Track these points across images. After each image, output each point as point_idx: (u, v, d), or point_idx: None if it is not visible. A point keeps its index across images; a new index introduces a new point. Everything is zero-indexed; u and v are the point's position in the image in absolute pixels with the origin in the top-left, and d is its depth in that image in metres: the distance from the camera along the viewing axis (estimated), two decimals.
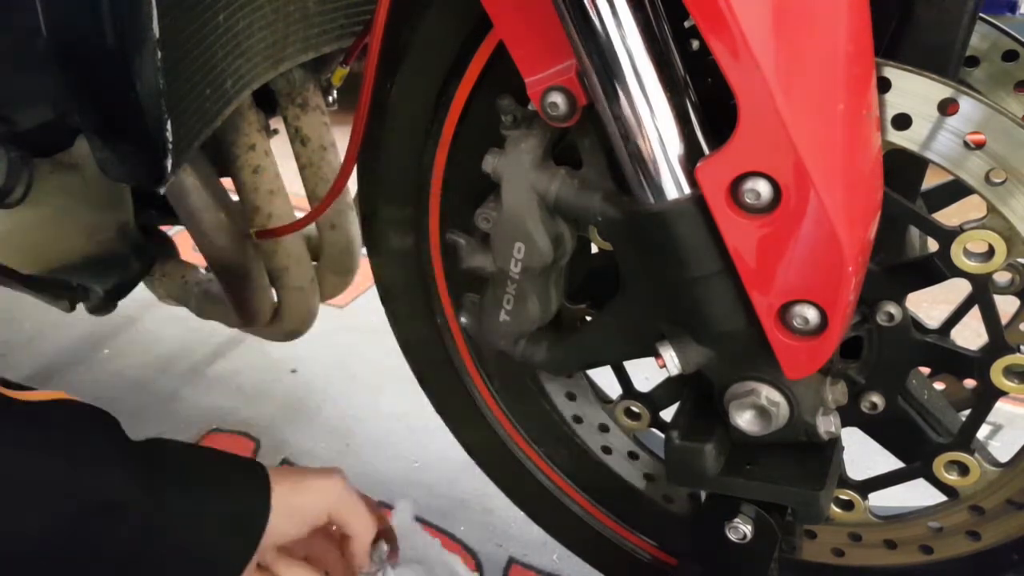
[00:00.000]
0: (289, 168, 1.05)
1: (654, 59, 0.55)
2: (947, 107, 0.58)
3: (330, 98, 1.03)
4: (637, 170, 0.57)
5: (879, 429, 0.74)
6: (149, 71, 0.68)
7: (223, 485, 0.72)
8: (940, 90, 0.58)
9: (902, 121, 0.60)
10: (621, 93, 0.55)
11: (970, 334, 0.77)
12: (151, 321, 1.78)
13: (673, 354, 0.64)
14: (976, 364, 0.67)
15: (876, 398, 0.72)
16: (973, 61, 0.79)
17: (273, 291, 1.13)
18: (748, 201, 0.54)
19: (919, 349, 0.69)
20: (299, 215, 1.05)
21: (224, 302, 1.13)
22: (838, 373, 0.70)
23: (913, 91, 0.59)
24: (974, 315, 0.71)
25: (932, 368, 0.78)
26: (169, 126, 0.71)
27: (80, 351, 1.72)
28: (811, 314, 0.57)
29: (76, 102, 0.73)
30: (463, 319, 0.77)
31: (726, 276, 0.58)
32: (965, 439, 0.71)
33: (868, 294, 0.66)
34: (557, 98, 0.60)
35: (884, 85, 0.59)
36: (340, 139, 1.13)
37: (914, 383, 0.72)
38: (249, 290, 1.11)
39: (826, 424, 0.67)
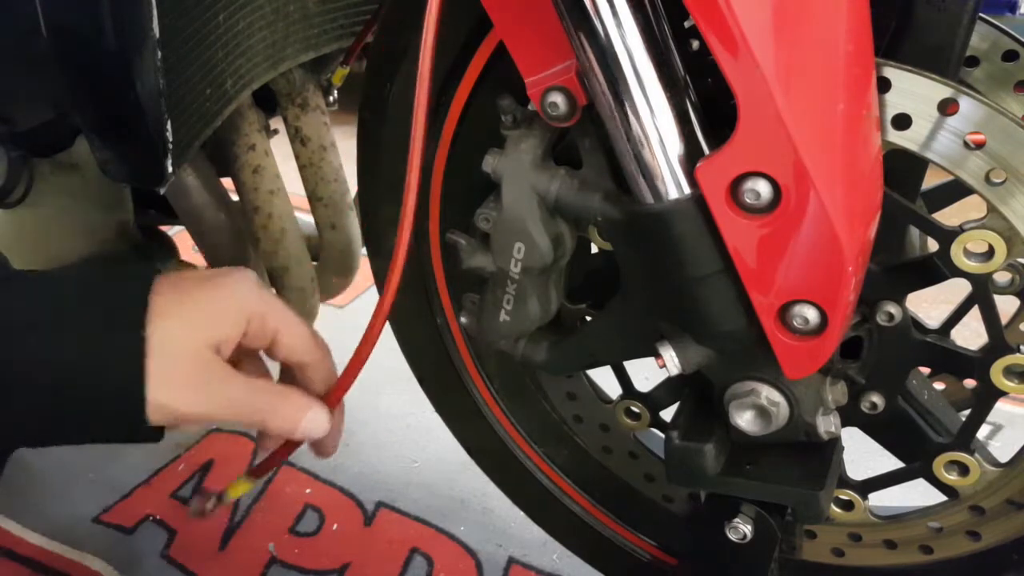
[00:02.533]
0: (289, 168, 1.05)
1: (654, 59, 0.55)
2: (947, 107, 0.58)
3: (330, 98, 1.03)
4: (637, 170, 0.57)
5: (879, 429, 0.74)
6: (149, 71, 0.68)
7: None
8: (940, 90, 0.58)
9: (902, 121, 0.60)
10: (621, 93, 0.55)
11: (970, 334, 0.77)
12: None
13: (673, 354, 0.64)
14: (976, 364, 0.67)
15: (876, 398, 0.72)
16: (973, 61, 0.79)
17: (273, 291, 1.13)
18: (748, 201, 0.54)
19: (919, 349, 0.69)
20: (299, 215, 1.06)
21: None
22: (838, 373, 0.70)
23: (913, 91, 0.59)
24: (974, 315, 0.71)
25: (932, 368, 0.78)
26: (169, 126, 0.71)
27: None
28: (811, 314, 0.57)
29: (76, 102, 0.73)
30: (463, 319, 0.77)
31: (726, 276, 0.58)
32: (965, 439, 0.71)
33: (868, 294, 0.66)
34: (557, 98, 0.60)
35: (884, 85, 0.59)
36: (340, 139, 1.13)
37: (914, 383, 0.72)
38: None
39: (826, 424, 0.67)
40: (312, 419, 0.63)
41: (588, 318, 0.78)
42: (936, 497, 0.75)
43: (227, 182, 1.03)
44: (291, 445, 0.66)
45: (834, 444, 0.69)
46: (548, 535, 0.99)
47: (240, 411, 0.61)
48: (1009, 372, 0.66)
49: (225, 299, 0.61)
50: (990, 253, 0.62)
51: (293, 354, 0.66)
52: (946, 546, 0.75)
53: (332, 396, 0.66)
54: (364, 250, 0.91)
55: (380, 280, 0.89)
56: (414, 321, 0.89)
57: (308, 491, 1.36)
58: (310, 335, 0.66)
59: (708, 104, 0.58)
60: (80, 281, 0.60)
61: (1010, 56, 0.78)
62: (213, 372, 0.59)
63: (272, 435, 0.65)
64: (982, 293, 0.65)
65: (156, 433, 0.59)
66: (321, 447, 0.67)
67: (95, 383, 0.56)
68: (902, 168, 0.63)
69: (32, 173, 0.86)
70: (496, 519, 1.27)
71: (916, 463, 0.73)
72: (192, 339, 0.59)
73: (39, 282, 0.60)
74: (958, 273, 0.63)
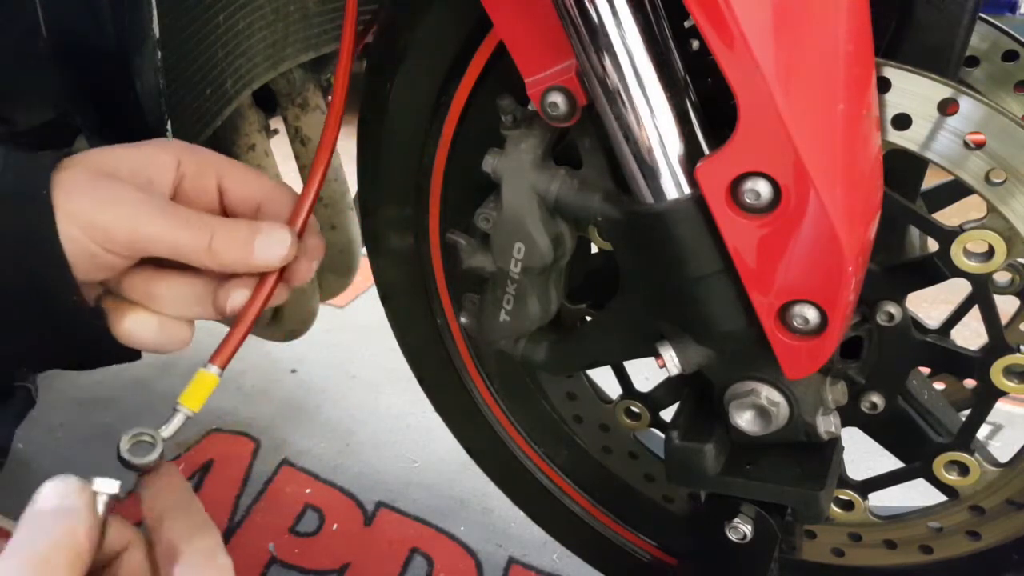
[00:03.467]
0: (289, 168, 1.05)
1: (654, 59, 0.55)
2: (947, 107, 0.58)
3: (330, 98, 1.03)
4: (637, 170, 0.57)
5: (879, 429, 0.74)
6: (149, 71, 0.68)
7: None
8: (940, 90, 0.58)
9: (902, 121, 0.60)
10: (621, 93, 0.55)
11: (970, 334, 0.77)
12: None
13: (673, 354, 0.64)
14: (976, 364, 0.67)
15: (876, 398, 0.72)
16: (973, 61, 0.79)
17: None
18: (748, 201, 0.54)
19: (919, 349, 0.69)
20: None
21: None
22: (838, 373, 0.70)
23: (913, 91, 0.59)
24: (974, 315, 0.71)
25: (932, 368, 0.78)
26: (169, 126, 0.71)
27: None
28: (811, 314, 0.57)
29: (76, 102, 0.73)
30: (463, 319, 0.77)
31: (726, 276, 0.58)
32: (965, 439, 0.71)
33: (868, 294, 0.66)
34: (557, 98, 0.60)
35: (884, 85, 0.59)
36: (340, 139, 1.13)
37: (914, 383, 0.72)
38: None
39: (826, 424, 0.67)
40: (268, 236, 0.55)
41: (588, 318, 0.78)
42: (936, 497, 0.75)
43: None
44: (261, 288, 0.57)
45: (834, 444, 0.69)
46: (548, 535, 0.99)
47: (177, 225, 0.52)
48: (1009, 372, 0.66)
49: (145, 145, 0.56)
50: (990, 253, 0.62)
51: (247, 193, 0.58)
52: (946, 546, 0.75)
53: (293, 217, 0.58)
54: (364, 250, 0.91)
55: (380, 279, 0.89)
56: (414, 321, 0.89)
57: (308, 491, 1.36)
58: (258, 174, 0.60)
59: (708, 104, 0.58)
60: None
61: (1010, 56, 0.78)
62: (142, 191, 0.53)
63: (225, 265, 0.55)
64: (982, 293, 0.65)
65: (102, 323, 0.53)
66: (293, 272, 0.58)
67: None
68: (902, 168, 0.63)
69: None
70: (496, 519, 1.27)
71: (916, 463, 0.73)
72: (113, 165, 0.53)
73: None
74: (958, 273, 0.63)
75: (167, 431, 0.57)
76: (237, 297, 0.58)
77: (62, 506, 0.48)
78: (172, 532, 0.50)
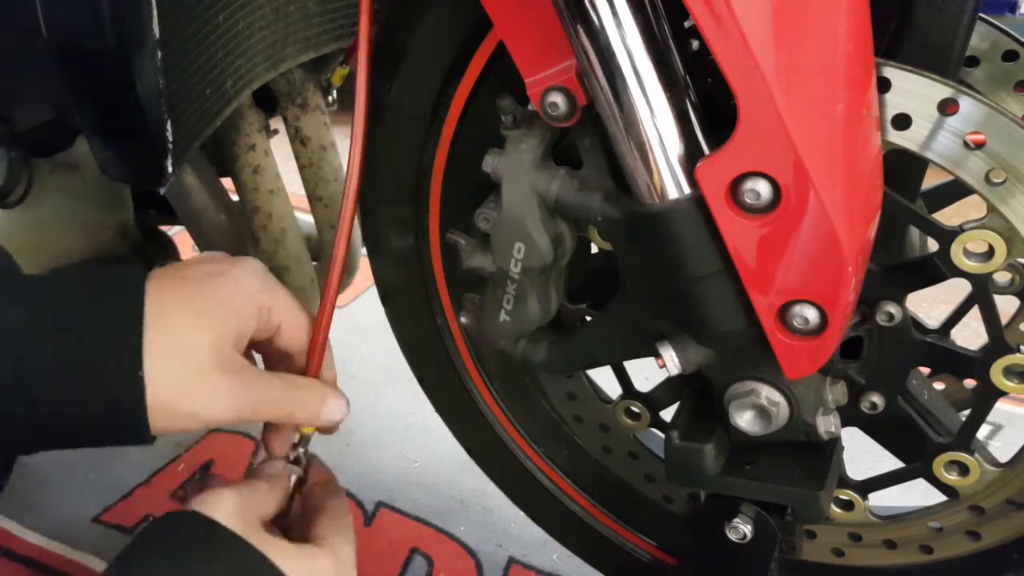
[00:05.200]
0: (289, 168, 1.05)
1: (654, 59, 0.55)
2: (947, 107, 0.58)
3: (330, 98, 1.03)
4: (637, 170, 0.57)
5: (879, 429, 0.74)
6: (149, 71, 0.68)
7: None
8: (940, 90, 0.58)
9: (902, 121, 0.60)
10: (621, 93, 0.55)
11: (970, 334, 0.77)
12: None
13: (673, 354, 0.64)
14: (976, 364, 0.67)
15: (876, 398, 0.72)
16: (973, 61, 0.79)
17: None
18: (748, 201, 0.54)
19: (919, 349, 0.69)
20: (299, 215, 1.06)
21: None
22: (838, 373, 0.70)
23: (913, 91, 0.59)
24: (974, 315, 0.71)
25: (932, 368, 0.78)
26: (169, 126, 0.71)
27: None
28: (811, 314, 0.57)
29: (76, 102, 0.73)
30: (463, 319, 0.77)
31: (726, 276, 0.58)
32: (965, 439, 0.71)
33: (868, 294, 0.66)
34: (557, 98, 0.60)
35: (884, 85, 0.59)
36: (340, 139, 1.13)
37: (914, 383, 0.72)
38: None
39: (826, 424, 0.67)
40: (333, 405, 0.65)
41: (588, 318, 0.78)
42: (936, 497, 0.75)
43: (227, 182, 1.03)
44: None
45: (834, 444, 0.69)
46: (548, 535, 0.99)
47: (268, 408, 0.61)
48: (1009, 372, 0.66)
49: (235, 294, 0.59)
50: (990, 253, 0.62)
51: (295, 343, 0.65)
52: (946, 546, 0.75)
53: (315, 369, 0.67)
54: (364, 250, 0.91)
55: (380, 279, 0.89)
56: (414, 321, 0.89)
57: None
58: (309, 324, 0.66)
59: (708, 104, 0.58)
60: (70, 285, 0.58)
61: (1010, 56, 0.78)
62: (234, 372, 0.58)
63: (292, 425, 0.66)
64: (982, 293, 0.65)
65: (148, 438, 0.57)
66: (329, 428, 0.68)
67: (91, 398, 0.54)
68: (902, 168, 0.63)
69: (32, 173, 0.86)
70: (496, 519, 1.27)
71: (916, 463, 0.73)
72: (207, 341, 0.57)
73: (30, 285, 0.58)
74: (958, 273, 0.63)
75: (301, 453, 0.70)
76: (272, 444, 0.68)
77: (276, 474, 0.66)
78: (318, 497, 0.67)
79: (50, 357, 0.53)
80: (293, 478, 0.67)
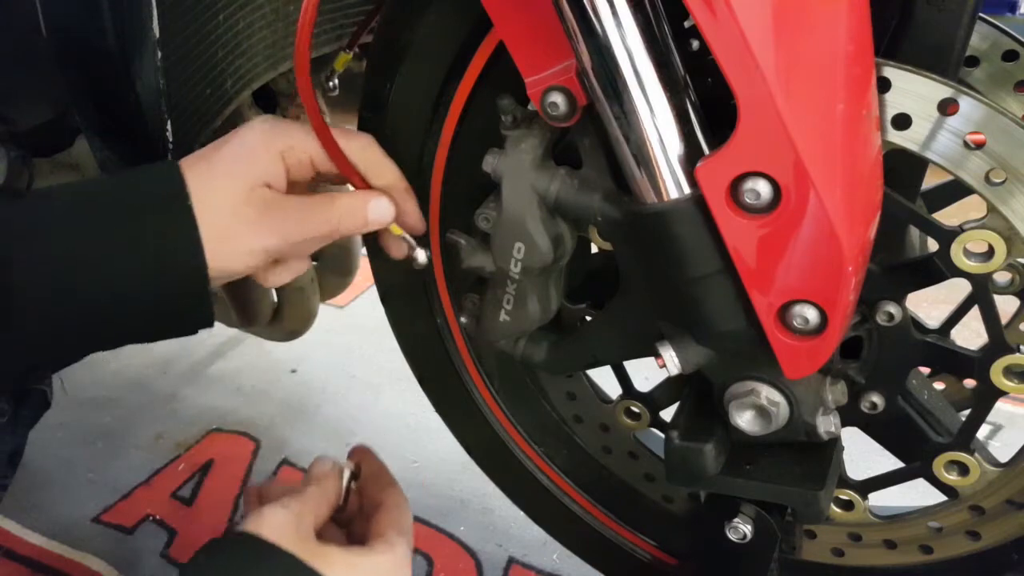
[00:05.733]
0: None
1: (654, 59, 0.55)
2: (947, 107, 0.58)
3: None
4: (637, 170, 0.57)
5: (879, 429, 0.74)
6: (149, 71, 0.68)
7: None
8: (940, 90, 0.58)
9: (902, 121, 0.60)
10: (621, 93, 0.55)
11: (970, 334, 0.77)
12: None
13: (673, 354, 0.64)
14: (976, 364, 0.67)
15: (876, 398, 0.72)
16: (973, 61, 0.79)
17: (273, 291, 1.13)
18: (748, 201, 0.54)
19: (919, 349, 0.69)
20: None
21: (225, 302, 1.13)
22: (838, 373, 0.70)
23: (913, 91, 0.59)
24: (974, 315, 0.71)
25: (932, 368, 0.78)
26: (169, 126, 0.71)
27: None
28: (811, 314, 0.57)
29: (76, 102, 0.73)
30: (463, 319, 0.77)
31: (726, 276, 0.58)
32: (965, 439, 0.71)
33: (868, 294, 0.66)
34: (557, 98, 0.60)
35: (884, 85, 0.59)
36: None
37: (914, 383, 0.72)
38: (249, 290, 1.11)
39: (826, 424, 0.67)
40: (376, 206, 0.67)
41: (588, 318, 0.78)
42: (936, 497, 0.75)
43: None
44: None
45: (834, 444, 0.69)
46: (548, 535, 0.99)
47: (312, 227, 0.65)
48: (1009, 372, 0.66)
49: (251, 143, 0.65)
50: (990, 253, 0.62)
51: (328, 162, 0.68)
52: (946, 546, 0.75)
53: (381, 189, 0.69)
54: (364, 250, 0.91)
55: (380, 280, 0.89)
56: (414, 321, 0.89)
57: None
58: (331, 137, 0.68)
59: (708, 104, 0.58)
60: (111, 184, 0.65)
61: (1010, 56, 0.78)
62: (269, 204, 0.63)
63: (346, 234, 0.68)
64: (982, 293, 0.65)
65: (208, 313, 0.64)
66: (408, 226, 0.71)
67: (154, 262, 0.60)
68: (902, 168, 0.63)
69: (32, 173, 0.86)
70: (496, 519, 1.27)
71: (916, 463, 0.73)
72: (236, 185, 0.62)
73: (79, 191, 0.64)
74: (958, 273, 0.63)
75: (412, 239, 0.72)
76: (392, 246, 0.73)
77: (325, 473, 0.74)
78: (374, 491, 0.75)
79: (116, 228, 0.60)
80: (346, 474, 0.73)
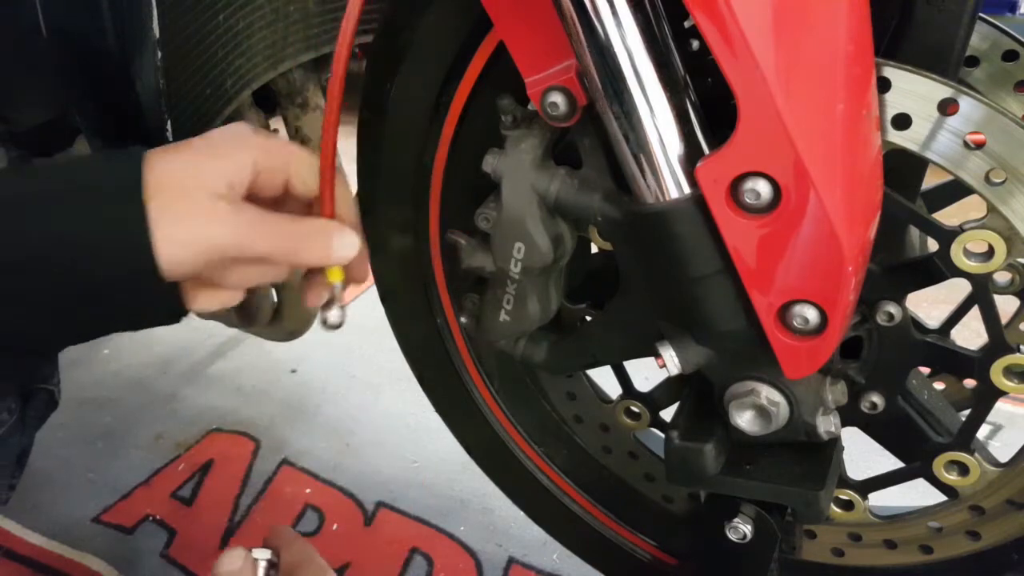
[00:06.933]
0: None
1: (654, 59, 0.55)
2: (947, 107, 0.58)
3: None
4: (637, 170, 0.57)
5: (879, 429, 0.74)
6: (149, 71, 0.68)
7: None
8: (940, 90, 0.58)
9: (902, 121, 0.60)
10: (621, 93, 0.55)
11: (970, 334, 0.77)
12: None
13: (673, 354, 0.64)
14: (976, 364, 0.67)
15: (876, 398, 0.72)
16: (973, 61, 0.79)
17: (273, 291, 1.13)
18: (748, 201, 0.54)
19: (919, 349, 0.69)
20: None
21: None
22: (838, 373, 0.70)
23: (913, 91, 0.59)
24: (974, 315, 0.71)
25: (932, 368, 0.78)
26: (169, 126, 0.72)
27: (80, 351, 1.72)
28: (811, 314, 0.57)
29: (76, 102, 0.73)
30: (463, 319, 0.77)
31: (726, 276, 0.58)
32: (965, 439, 0.71)
33: (868, 294, 0.66)
34: (557, 98, 0.60)
35: (884, 85, 0.59)
36: (340, 139, 1.14)
37: (914, 383, 0.72)
38: (249, 290, 1.11)
39: (826, 424, 0.67)
40: (340, 241, 0.62)
41: (588, 318, 0.78)
42: (936, 497, 0.75)
43: None
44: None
45: (834, 444, 0.69)
46: (548, 535, 0.99)
47: (268, 237, 0.59)
48: (1009, 372, 0.66)
49: (223, 141, 0.60)
50: (990, 253, 0.62)
51: (312, 181, 0.63)
52: (946, 546, 0.75)
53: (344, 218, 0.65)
54: None
55: (380, 280, 0.89)
56: (414, 321, 0.89)
57: (308, 491, 1.36)
58: (316, 168, 0.64)
59: (708, 104, 0.58)
60: (73, 164, 0.61)
61: (1010, 56, 0.78)
62: (228, 202, 0.58)
63: (307, 265, 0.64)
64: (982, 293, 0.65)
65: (176, 302, 0.59)
66: (355, 273, 0.66)
67: (99, 241, 0.55)
68: (902, 168, 0.63)
69: None
70: (496, 519, 1.27)
71: (916, 463, 0.73)
72: (197, 176, 0.57)
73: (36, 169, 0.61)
74: (958, 273, 0.63)
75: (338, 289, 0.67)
76: (312, 290, 0.67)
77: (237, 570, 0.67)
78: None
79: (62, 224, 0.55)
80: (261, 565, 0.66)
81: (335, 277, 0.65)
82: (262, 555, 0.66)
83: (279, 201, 0.64)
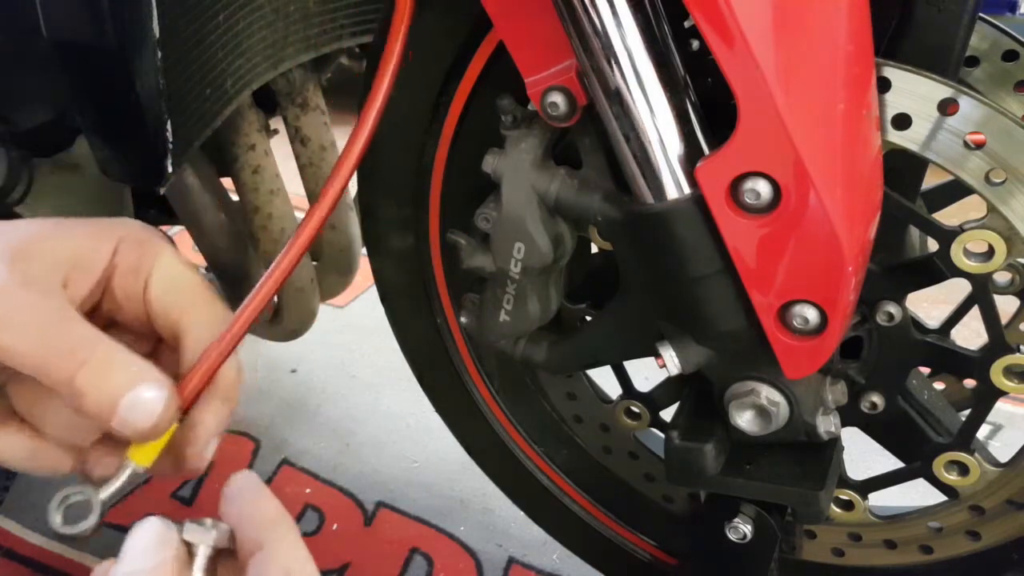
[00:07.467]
0: (289, 168, 1.05)
1: (654, 59, 0.55)
2: (947, 107, 0.58)
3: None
4: (637, 170, 0.57)
5: (879, 429, 0.74)
6: (149, 71, 0.68)
7: None
8: (940, 90, 0.58)
9: (902, 121, 0.60)
10: (621, 93, 0.55)
11: (970, 334, 0.77)
12: None
13: (673, 354, 0.64)
14: (976, 364, 0.67)
15: (876, 398, 0.72)
16: (973, 61, 0.79)
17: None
18: (748, 201, 0.54)
19: (919, 349, 0.69)
20: (299, 215, 1.06)
21: (225, 302, 1.13)
22: (838, 373, 0.70)
23: (913, 91, 0.59)
24: (974, 315, 0.71)
25: (932, 368, 0.78)
26: (169, 126, 0.71)
27: None
28: (811, 314, 0.57)
29: (76, 102, 0.73)
30: (463, 319, 0.77)
31: (726, 276, 0.58)
32: (965, 439, 0.71)
33: (868, 294, 0.66)
34: (557, 98, 0.60)
35: (884, 85, 0.59)
36: (340, 139, 1.14)
37: (914, 383, 0.72)
38: (247, 290, 1.11)
39: (826, 424, 0.67)
40: (136, 398, 0.42)
41: (588, 318, 0.78)
42: (936, 497, 0.75)
43: (227, 182, 1.03)
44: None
45: (834, 444, 0.69)
46: (548, 535, 0.99)
47: (38, 344, 0.41)
48: (1009, 372, 0.66)
49: (90, 225, 0.46)
50: (990, 253, 0.62)
51: (167, 296, 0.46)
52: (946, 546, 0.75)
53: (186, 382, 0.46)
54: (364, 250, 0.91)
55: (380, 280, 0.89)
56: (414, 321, 0.89)
57: (308, 491, 1.36)
58: (200, 281, 0.49)
59: (708, 104, 0.58)
60: None
61: (1010, 56, 0.78)
62: (26, 290, 0.42)
63: (85, 412, 0.43)
64: (982, 293, 0.65)
65: None
66: (167, 461, 0.47)
67: None
68: (902, 168, 0.63)
69: (32, 173, 0.86)
70: (496, 519, 1.27)
71: (916, 463, 0.73)
72: (20, 253, 0.43)
73: None
74: (958, 273, 0.63)
75: (107, 492, 0.45)
76: (99, 466, 0.46)
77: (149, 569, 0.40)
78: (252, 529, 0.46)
79: None
80: (201, 551, 0.43)
81: (138, 457, 0.45)
82: (201, 536, 0.43)
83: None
